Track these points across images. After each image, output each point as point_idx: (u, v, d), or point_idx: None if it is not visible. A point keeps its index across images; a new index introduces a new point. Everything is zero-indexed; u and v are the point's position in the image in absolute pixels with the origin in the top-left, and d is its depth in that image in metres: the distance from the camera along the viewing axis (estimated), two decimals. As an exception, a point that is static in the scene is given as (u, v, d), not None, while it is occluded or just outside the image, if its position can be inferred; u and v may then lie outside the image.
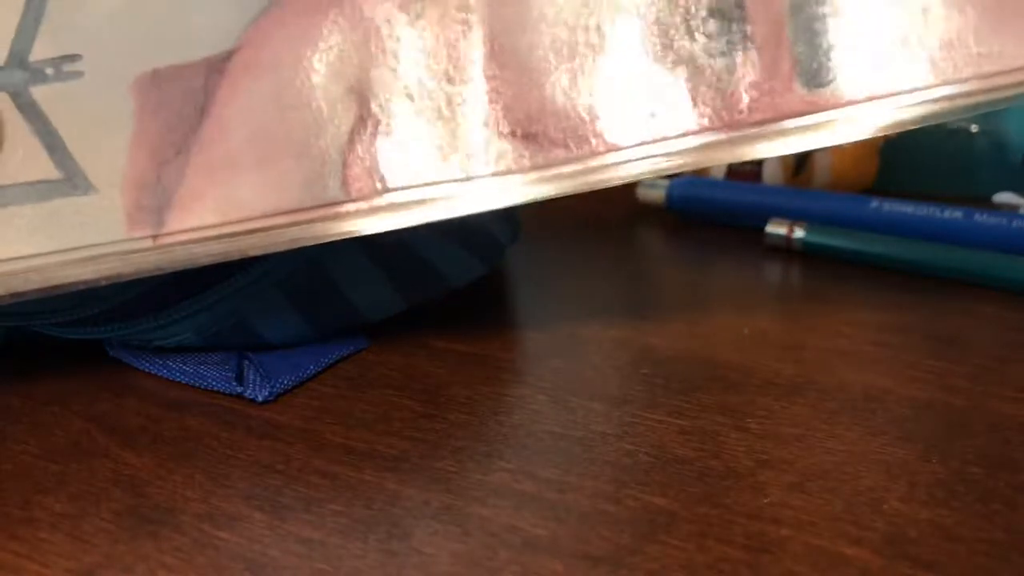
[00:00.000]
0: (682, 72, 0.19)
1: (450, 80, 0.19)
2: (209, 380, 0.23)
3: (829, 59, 0.19)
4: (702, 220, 0.39)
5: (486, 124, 0.19)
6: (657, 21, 0.19)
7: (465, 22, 0.19)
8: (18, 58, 0.18)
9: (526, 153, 0.19)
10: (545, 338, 0.26)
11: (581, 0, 0.19)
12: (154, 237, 0.19)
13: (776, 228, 0.34)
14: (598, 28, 0.19)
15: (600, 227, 0.37)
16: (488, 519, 0.18)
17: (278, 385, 0.23)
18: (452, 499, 0.18)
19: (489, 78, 0.19)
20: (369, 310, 0.25)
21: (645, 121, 0.19)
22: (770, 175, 0.40)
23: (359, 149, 0.19)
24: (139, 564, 0.17)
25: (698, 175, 0.42)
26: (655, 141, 0.19)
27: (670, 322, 0.27)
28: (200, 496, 0.19)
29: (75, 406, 0.22)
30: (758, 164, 0.40)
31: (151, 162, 0.19)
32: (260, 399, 0.22)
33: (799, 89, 0.19)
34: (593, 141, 0.19)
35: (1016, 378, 0.23)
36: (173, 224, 0.19)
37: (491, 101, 0.19)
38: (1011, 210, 0.38)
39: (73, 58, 0.18)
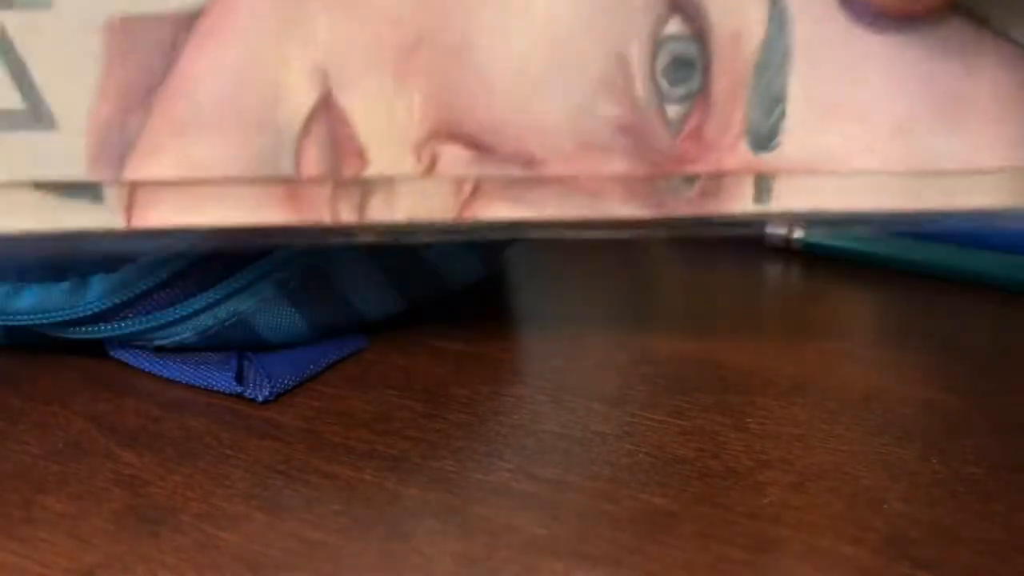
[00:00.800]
0: (632, 114, 0.19)
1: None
2: (209, 380, 0.23)
3: (781, 125, 0.19)
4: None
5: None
6: (620, 58, 0.18)
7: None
8: None
9: (475, 159, 0.19)
10: (545, 338, 0.26)
11: (555, 22, 0.18)
12: (127, 218, 0.19)
13: (776, 228, 0.34)
14: (561, 51, 0.18)
15: (600, 227, 0.37)
16: (488, 519, 0.18)
17: (278, 385, 0.23)
18: (452, 499, 0.18)
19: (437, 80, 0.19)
20: (369, 310, 0.25)
21: (580, 154, 0.19)
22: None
23: (316, 130, 0.19)
24: (139, 564, 0.17)
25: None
26: (588, 177, 0.19)
27: (670, 322, 0.27)
28: (200, 496, 0.19)
29: (75, 406, 0.22)
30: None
31: (116, 108, 0.18)
32: (260, 399, 0.22)
33: (744, 149, 0.19)
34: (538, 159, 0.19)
35: (1016, 378, 0.23)
36: (132, 172, 0.19)
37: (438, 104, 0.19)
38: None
39: None
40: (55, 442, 0.21)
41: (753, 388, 0.23)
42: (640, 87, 0.18)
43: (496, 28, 0.18)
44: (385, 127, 0.19)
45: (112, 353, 0.24)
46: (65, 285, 0.23)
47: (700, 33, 0.18)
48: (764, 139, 0.19)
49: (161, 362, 0.24)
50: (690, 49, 0.18)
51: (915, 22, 0.18)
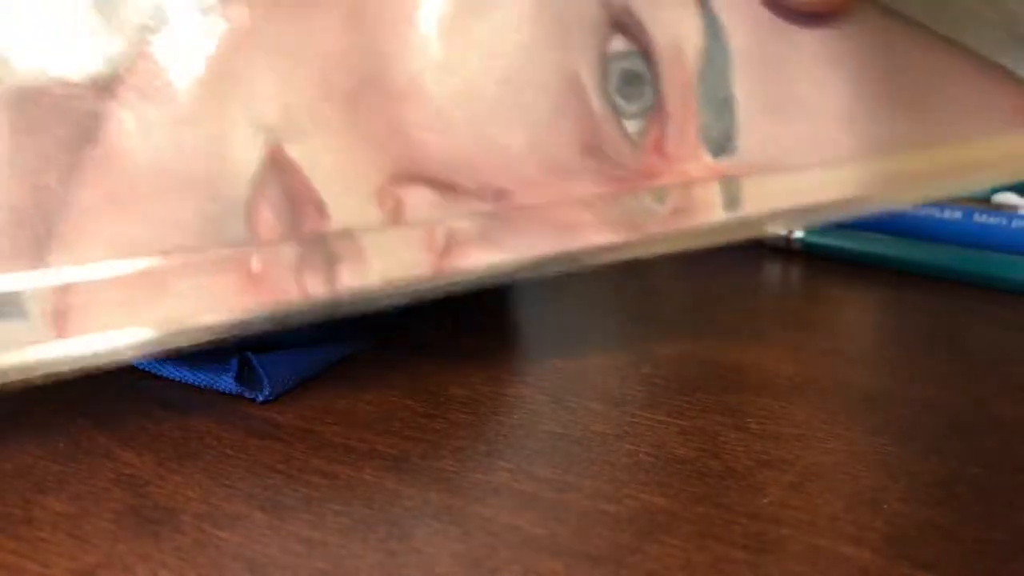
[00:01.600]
0: (593, 134, 0.19)
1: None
2: (209, 380, 0.23)
3: (734, 128, 0.19)
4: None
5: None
6: (572, 80, 0.18)
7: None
8: None
9: (441, 200, 0.18)
10: (545, 338, 0.26)
11: (501, 52, 0.18)
12: (59, 329, 0.17)
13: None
14: (512, 79, 0.18)
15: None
16: (488, 519, 0.18)
17: (278, 385, 0.23)
18: (452, 499, 0.18)
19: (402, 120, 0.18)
20: (370, 310, 0.25)
21: (547, 180, 0.19)
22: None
23: (268, 188, 0.17)
24: (140, 564, 0.17)
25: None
26: (560, 202, 0.19)
27: (670, 322, 0.27)
28: (200, 496, 0.19)
29: (75, 406, 0.22)
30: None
31: (25, 187, 0.16)
32: (260, 399, 0.22)
33: (705, 156, 0.19)
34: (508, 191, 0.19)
35: (1016, 378, 0.23)
36: (56, 259, 0.17)
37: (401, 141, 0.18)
38: (1011, 210, 0.38)
39: None
40: (55, 442, 0.21)
41: (753, 388, 0.23)
42: (596, 106, 0.19)
43: (442, 63, 0.18)
44: (342, 177, 0.18)
45: (112, 353, 0.24)
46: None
47: (644, 48, 0.19)
48: (720, 143, 0.19)
49: (161, 362, 0.24)
50: (638, 64, 0.19)
51: (833, 16, 0.19)
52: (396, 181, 0.18)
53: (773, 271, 0.32)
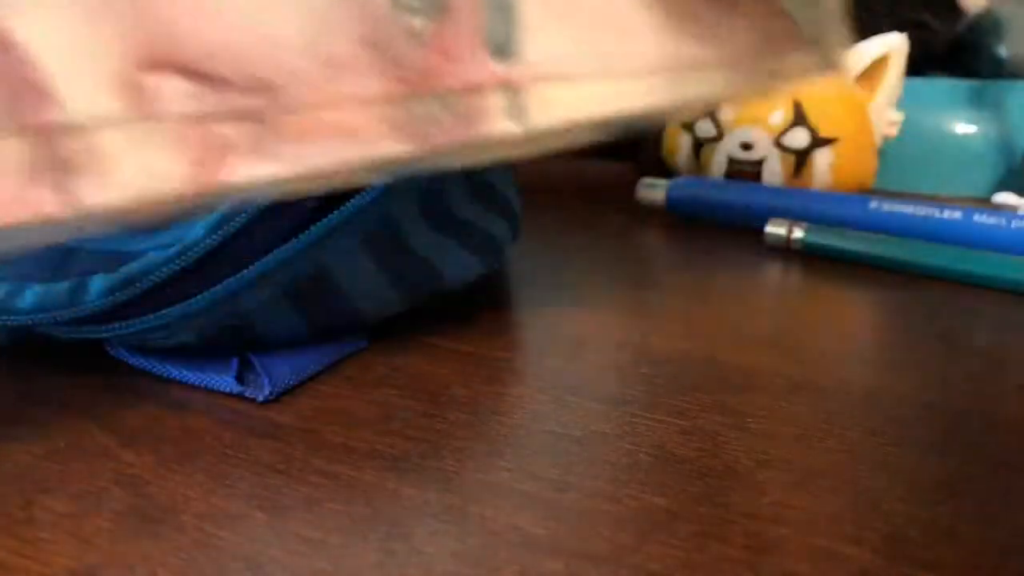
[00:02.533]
0: (374, 26, 0.18)
1: None
2: (209, 380, 0.23)
3: (517, 31, 0.18)
4: (702, 220, 0.39)
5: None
6: None
7: None
8: None
9: (198, 92, 0.16)
10: (545, 338, 0.26)
11: None
12: None
13: (776, 228, 0.34)
14: None
15: (600, 228, 0.37)
16: (488, 519, 0.18)
17: (278, 385, 0.23)
18: (452, 499, 0.18)
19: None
20: (369, 310, 0.25)
21: (321, 74, 0.17)
22: (770, 175, 0.40)
23: None
24: (140, 564, 0.17)
25: (698, 175, 0.41)
26: (338, 103, 0.17)
27: (670, 322, 0.27)
28: (201, 496, 0.19)
29: (75, 406, 0.22)
30: (758, 164, 0.40)
31: None
32: (260, 399, 0.22)
33: (488, 60, 0.18)
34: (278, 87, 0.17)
35: (1016, 378, 0.23)
36: None
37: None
38: (1011, 210, 0.38)
39: None
40: (55, 442, 0.21)
41: (753, 388, 0.23)
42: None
43: None
44: (78, 59, 0.16)
45: (112, 353, 0.24)
46: (66, 285, 0.23)
47: None
48: (501, 47, 0.18)
49: (161, 362, 0.24)
50: None
51: None
52: (144, 67, 0.16)
53: (773, 271, 0.32)
